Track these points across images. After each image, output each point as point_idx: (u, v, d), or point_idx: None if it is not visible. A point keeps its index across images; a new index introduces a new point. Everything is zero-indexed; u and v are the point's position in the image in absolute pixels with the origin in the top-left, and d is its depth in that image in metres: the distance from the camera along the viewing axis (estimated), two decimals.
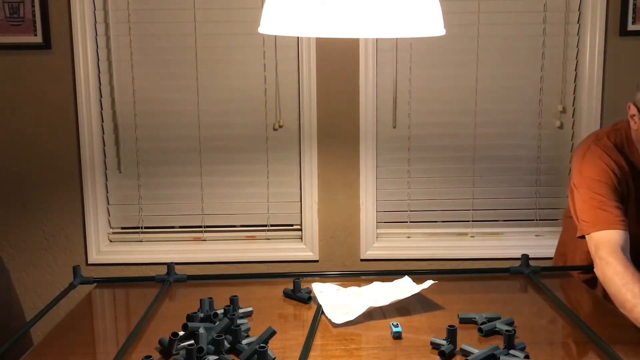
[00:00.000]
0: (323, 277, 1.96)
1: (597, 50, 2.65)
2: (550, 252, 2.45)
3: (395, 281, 1.84)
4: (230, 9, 2.66)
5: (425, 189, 2.81)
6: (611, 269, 1.71)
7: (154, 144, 2.76)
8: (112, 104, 2.73)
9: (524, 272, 1.95)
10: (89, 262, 2.76)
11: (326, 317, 1.66)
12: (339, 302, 1.72)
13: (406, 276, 1.86)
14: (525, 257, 1.97)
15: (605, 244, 1.77)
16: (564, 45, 2.69)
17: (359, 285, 1.83)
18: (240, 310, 1.67)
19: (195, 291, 1.87)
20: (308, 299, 1.77)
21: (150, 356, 1.36)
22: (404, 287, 1.79)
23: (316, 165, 2.73)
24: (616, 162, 1.89)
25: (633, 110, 1.87)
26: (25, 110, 2.69)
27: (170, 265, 1.95)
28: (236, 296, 1.68)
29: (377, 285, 1.83)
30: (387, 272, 2.01)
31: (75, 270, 1.89)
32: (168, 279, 1.91)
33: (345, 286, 1.83)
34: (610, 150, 1.91)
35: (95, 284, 1.93)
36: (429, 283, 1.77)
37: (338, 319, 1.63)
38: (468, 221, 2.82)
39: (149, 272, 2.26)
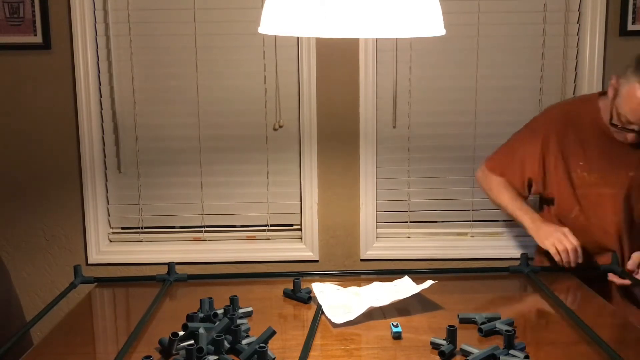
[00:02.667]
0: (323, 277, 1.96)
1: (597, 50, 2.65)
2: None
3: (395, 281, 1.84)
4: (230, 9, 2.66)
5: (425, 189, 2.81)
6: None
7: (154, 144, 2.76)
8: (112, 104, 2.73)
9: (524, 271, 1.95)
10: (89, 262, 2.76)
11: (326, 317, 1.66)
12: (339, 302, 1.73)
13: (406, 276, 1.86)
14: (524, 257, 1.97)
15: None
16: (564, 45, 2.69)
17: (359, 285, 1.84)
18: (240, 310, 1.68)
19: (196, 291, 1.87)
20: (308, 299, 1.77)
21: (150, 356, 1.36)
22: (404, 287, 1.79)
23: (316, 165, 2.73)
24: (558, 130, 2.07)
25: (614, 81, 1.93)
26: (25, 110, 2.68)
27: (170, 265, 1.95)
28: (236, 296, 1.68)
29: (377, 285, 1.83)
30: (387, 272, 2.01)
31: (76, 269, 1.89)
32: (168, 279, 1.91)
33: (345, 286, 1.83)
34: (558, 120, 2.09)
35: (95, 284, 1.93)
36: (429, 283, 1.77)
37: (338, 319, 1.63)
38: (468, 221, 2.82)
39: (149, 272, 2.26)
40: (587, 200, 2.04)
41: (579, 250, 1.92)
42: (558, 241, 1.93)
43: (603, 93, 2.07)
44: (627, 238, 2.03)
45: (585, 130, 2.03)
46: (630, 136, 1.92)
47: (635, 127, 1.88)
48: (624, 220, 2.02)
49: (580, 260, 1.93)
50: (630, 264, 1.92)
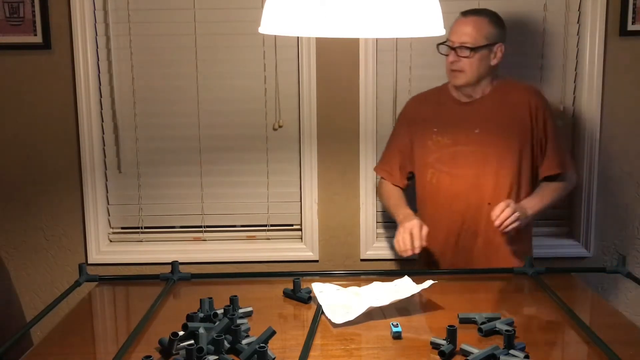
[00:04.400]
0: (323, 277, 1.96)
1: (597, 50, 2.64)
2: (549, 252, 2.45)
3: (395, 281, 1.84)
4: (230, 9, 2.66)
5: None
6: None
7: (154, 144, 2.76)
8: (112, 104, 2.73)
9: (528, 272, 1.95)
10: (89, 262, 2.75)
11: (326, 317, 1.66)
12: (339, 302, 1.73)
13: (406, 276, 1.86)
14: (529, 258, 1.97)
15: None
16: (564, 45, 2.69)
17: (359, 285, 1.84)
18: (240, 310, 1.68)
19: (196, 291, 1.88)
20: (308, 299, 1.77)
21: (150, 356, 1.36)
22: (404, 287, 1.79)
23: (316, 165, 2.72)
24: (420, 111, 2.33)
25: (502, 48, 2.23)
26: (25, 110, 2.68)
27: (174, 264, 1.95)
28: (236, 296, 1.68)
29: (377, 285, 1.83)
30: (387, 272, 2.01)
31: (81, 267, 1.90)
32: (172, 277, 1.91)
33: (345, 286, 1.83)
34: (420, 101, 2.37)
35: (97, 283, 1.93)
36: (429, 283, 1.77)
37: (338, 319, 1.63)
38: None
39: (149, 272, 2.26)
40: (441, 161, 2.24)
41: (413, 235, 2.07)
42: (402, 242, 2.08)
43: None
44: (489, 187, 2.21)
45: (436, 103, 2.31)
46: (452, 56, 2.19)
47: (454, 44, 2.18)
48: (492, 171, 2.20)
49: (422, 244, 2.07)
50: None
